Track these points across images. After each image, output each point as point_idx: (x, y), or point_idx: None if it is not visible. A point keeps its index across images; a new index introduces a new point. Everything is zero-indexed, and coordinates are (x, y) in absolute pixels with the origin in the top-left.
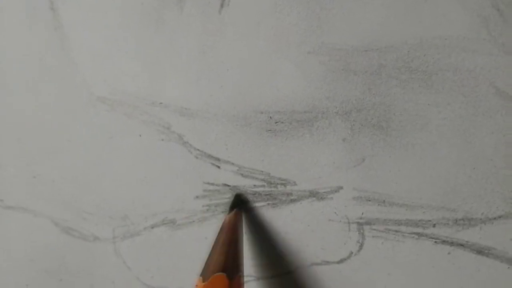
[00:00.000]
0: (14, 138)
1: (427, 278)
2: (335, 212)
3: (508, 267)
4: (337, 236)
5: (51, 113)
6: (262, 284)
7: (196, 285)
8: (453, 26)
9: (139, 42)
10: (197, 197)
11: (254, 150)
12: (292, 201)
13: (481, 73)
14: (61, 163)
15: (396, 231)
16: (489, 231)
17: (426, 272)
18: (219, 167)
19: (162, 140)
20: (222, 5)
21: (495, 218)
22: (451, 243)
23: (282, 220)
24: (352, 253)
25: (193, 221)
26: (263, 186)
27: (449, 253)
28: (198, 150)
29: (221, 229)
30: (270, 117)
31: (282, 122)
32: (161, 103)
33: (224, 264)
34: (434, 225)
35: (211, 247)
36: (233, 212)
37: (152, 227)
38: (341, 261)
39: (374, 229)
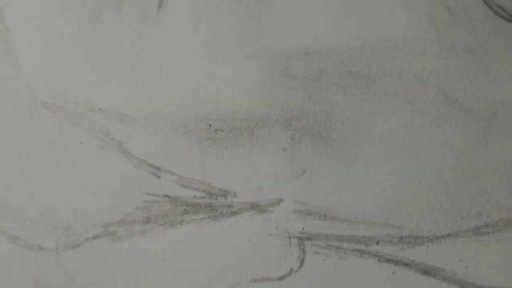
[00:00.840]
0: None
1: None
2: (276, 226)
3: None
4: (278, 252)
5: None
6: None
7: None
8: (398, 27)
9: (78, 45)
10: (137, 208)
11: (194, 159)
12: (233, 213)
13: (429, 78)
14: (5, 169)
15: (338, 247)
16: (436, 250)
17: None
18: (159, 176)
19: (102, 147)
20: (160, 5)
21: (443, 237)
22: (396, 262)
23: (222, 233)
24: (292, 269)
25: (133, 233)
26: (204, 197)
27: (393, 273)
28: (138, 158)
29: None
30: (210, 125)
31: (222, 130)
32: (100, 109)
33: None
34: (377, 243)
35: None
36: None
37: (94, 238)
38: (281, 278)
39: (316, 245)
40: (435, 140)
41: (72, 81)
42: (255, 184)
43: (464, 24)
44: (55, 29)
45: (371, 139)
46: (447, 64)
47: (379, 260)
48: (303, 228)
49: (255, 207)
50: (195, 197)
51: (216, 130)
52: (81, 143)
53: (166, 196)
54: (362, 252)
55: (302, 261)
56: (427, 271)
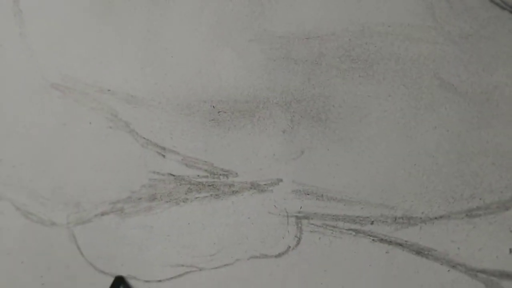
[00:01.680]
0: None
1: (364, 277)
2: (274, 205)
3: (449, 270)
4: (276, 230)
5: (9, 99)
6: (203, 275)
7: None
8: (397, 13)
9: (89, 29)
10: (143, 186)
11: (197, 139)
12: (234, 192)
13: (425, 63)
14: (20, 149)
15: (334, 226)
16: (429, 231)
17: (363, 270)
18: (164, 156)
19: (110, 127)
20: None
21: (436, 218)
22: (390, 242)
23: (223, 211)
24: (290, 247)
25: (140, 209)
26: (207, 176)
27: (387, 252)
28: (144, 138)
29: None
30: (213, 107)
31: (225, 112)
32: (109, 90)
33: None
34: (372, 222)
35: None
36: None
37: (102, 215)
38: (279, 255)
39: (312, 224)
40: (429, 123)
41: (82, 63)
42: (255, 164)
43: (460, 11)
44: (67, 13)
45: (367, 121)
46: (443, 50)
47: (373, 240)
48: (300, 208)
49: (255, 186)
50: (198, 176)
51: (219, 112)
52: (90, 123)
53: (171, 175)
54: (356, 231)
55: (299, 239)
56: (419, 251)
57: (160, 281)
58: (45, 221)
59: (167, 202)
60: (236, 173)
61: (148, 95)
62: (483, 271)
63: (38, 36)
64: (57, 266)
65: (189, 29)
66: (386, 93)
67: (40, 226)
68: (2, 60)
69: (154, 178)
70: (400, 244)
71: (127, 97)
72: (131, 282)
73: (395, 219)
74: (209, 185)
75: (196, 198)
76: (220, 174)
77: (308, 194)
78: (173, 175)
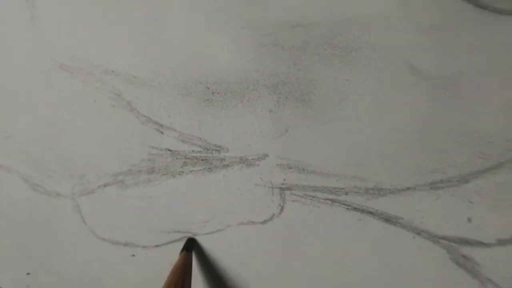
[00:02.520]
0: None
1: (339, 242)
2: (261, 178)
3: (414, 236)
4: (262, 200)
5: (20, 79)
6: (200, 240)
7: None
8: (374, 5)
9: (96, 14)
10: (142, 160)
11: (193, 118)
12: (225, 166)
13: (397, 51)
14: (28, 124)
15: (313, 197)
16: (397, 201)
17: (337, 236)
18: (162, 133)
19: (113, 106)
20: None
21: (403, 190)
22: (362, 211)
23: (216, 183)
24: (274, 215)
25: (139, 181)
26: (201, 151)
27: (359, 220)
28: (144, 116)
29: (172, 271)
30: (208, 88)
31: (218, 93)
32: (113, 71)
33: None
34: (346, 193)
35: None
36: (182, 254)
37: (105, 186)
38: (264, 222)
39: (294, 194)
40: (399, 105)
41: (90, 46)
42: (244, 141)
43: (430, 4)
44: None
45: (345, 103)
46: (413, 39)
47: (347, 209)
48: (284, 180)
49: (244, 161)
50: (193, 151)
51: (213, 93)
52: (95, 101)
53: (168, 150)
54: (333, 201)
55: (282, 208)
56: (388, 219)
57: (157, 246)
58: (51, 192)
59: (164, 174)
60: (227, 149)
61: (149, 76)
62: (444, 238)
63: (48, 20)
64: (61, 234)
65: (187, 15)
66: (363, 78)
67: (47, 197)
68: (15, 43)
69: (153, 153)
70: (371, 213)
71: (129, 78)
72: (131, 249)
73: (367, 190)
74: (202, 160)
75: (191, 171)
76: (213, 150)
77: (291, 168)
78: (170, 150)
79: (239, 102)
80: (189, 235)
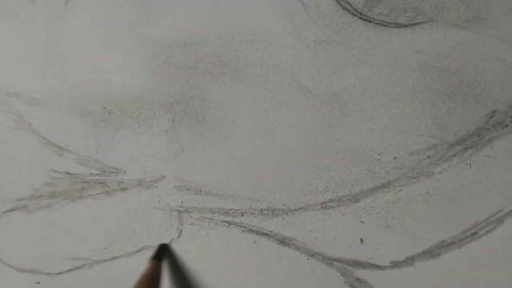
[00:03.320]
0: None
1: (235, 265)
2: (159, 201)
3: (308, 259)
4: (160, 223)
5: None
6: (100, 267)
7: None
8: (261, 21)
9: None
10: (44, 183)
11: (90, 139)
12: (123, 189)
13: (285, 68)
14: None
15: (210, 219)
16: (290, 221)
17: (234, 259)
18: (61, 155)
19: (16, 128)
20: (67, 0)
21: (296, 210)
22: (257, 232)
23: (114, 207)
24: (172, 239)
25: (41, 206)
26: (98, 174)
27: (254, 242)
28: (44, 138)
29: (139, 280)
30: (104, 108)
31: (114, 113)
32: (15, 93)
33: None
34: (242, 214)
35: None
36: (152, 262)
37: (10, 211)
38: None
39: (192, 217)
40: (288, 123)
41: None
42: (141, 162)
43: (316, 18)
44: None
45: (237, 121)
46: (300, 55)
47: (243, 230)
48: (182, 202)
49: (142, 183)
50: (91, 174)
51: (109, 113)
52: None
53: (67, 173)
54: (229, 223)
55: (181, 232)
56: (282, 240)
57: (59, 273)
58: None
59: (65, 199)
60: (125, 171)
61: (47, 97)
62: (338, 260)
63: None
64: None
65: (83, 35)
66: (252, 96)
67: None
68: None
69: (53, 176)
70: (266, 234)
71: (30, 99)
72: (36, 276)
73: (261, 211)
74: (100, 183)
75: (90, 195)
76: (111, 172)
77: (188, 190)
78: (69, 173)
79: (135, 122)
80: (89, 262)
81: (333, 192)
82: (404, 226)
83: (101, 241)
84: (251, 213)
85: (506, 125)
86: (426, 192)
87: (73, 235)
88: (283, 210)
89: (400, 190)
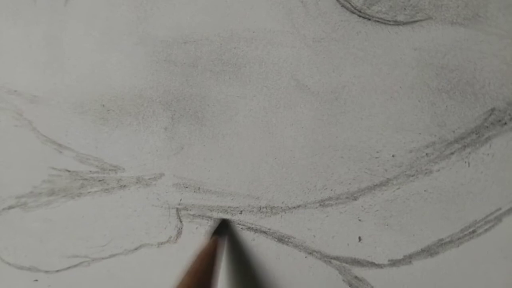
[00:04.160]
0: None
1: (234, 264)
2: (157, 198)
3: (306, 257)
4: (159, 221)
5: None
6: (98, 265)
7: None
8: (260, 19)
9: None
10: (43, 181)
11: (89, 137)
12: (122, 187)
13: (284, 66)
14: None
15: (209, 217)
16: (289, 219)
17: (232, 257)
18: (61, 152)
19: (16, 126)
20: None
21: (294, 207)
22: (255, 230)
23: (113, 205)
24: (171, 237)
25: (40, 204)
26: (98, 172)
27: (253, 240)
28: (44, 136)
29: (200, 257)
30: (103, 105)
31: (113, 111)
32: (15, 91)
33: None
34: (241, 212)
35: (185, 272)
36: (213, 239)
37: (9, 209)
38: (161, 244)
39: (191, 215)
40: (287, 121)
41: None
42: (140, 160)
43: (315, 16)
44: None
45: (236, 119)
46: (299, 53)
47: (241, 228)
48: (180, 200)
49: (141, 181)
50: (90, 171)
51: (108, 110)
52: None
53: (66, 170)
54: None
55: (179, 230)
56: (281, 238)
57: (58, 271)
58: None
59: (64, 196)
60: (124, 169)
61: (48, 95)
62: (336, 258)
63: None
64: None
65: (83, 33)
66: (252, 94)
67: None
68: None
69: (52, 174)
70: (264, 232)
71: (31, 97)
72: (34, 273)
73: (260, 209)
74: (99, 180)
75: (89, 192)
76: (110, 170)
77: (187, 187)
78: (69, 171)
79: (134, 119)
80: (88, 259)
81: (331, 190)
82: (402, 224)
83: (100, 238)
84: (250, 211)
85: (505, 123)
86: (425, 190)
87: (72, 233)
88: (281, 208)
89: (398, 188)
